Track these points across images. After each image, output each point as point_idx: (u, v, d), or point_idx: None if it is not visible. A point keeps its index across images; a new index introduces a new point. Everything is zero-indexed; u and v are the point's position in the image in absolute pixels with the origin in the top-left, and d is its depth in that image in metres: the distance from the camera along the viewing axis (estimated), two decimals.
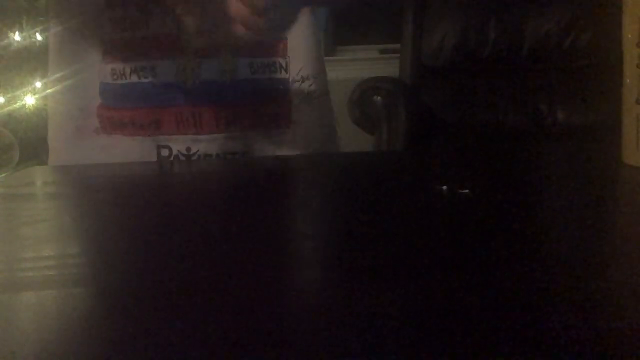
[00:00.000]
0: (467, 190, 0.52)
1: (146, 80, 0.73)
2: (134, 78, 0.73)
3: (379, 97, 2.32)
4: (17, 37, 2.11)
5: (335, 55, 3.05)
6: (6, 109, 2.08)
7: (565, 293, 0.32)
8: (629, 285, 0.34)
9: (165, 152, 0.74)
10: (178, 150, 0.74)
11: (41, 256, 0.41)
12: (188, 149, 0.74)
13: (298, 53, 0.78)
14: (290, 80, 0.78)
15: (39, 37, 2.10)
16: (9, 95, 2.09)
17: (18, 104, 2.09)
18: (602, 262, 0.38)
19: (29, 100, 2.11)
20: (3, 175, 0.55)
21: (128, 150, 0.74)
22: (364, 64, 2.94)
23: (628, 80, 0.60)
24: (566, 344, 0.27)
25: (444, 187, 0.53)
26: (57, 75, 0.76)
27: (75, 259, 0.41)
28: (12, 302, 0.34)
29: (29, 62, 2.08)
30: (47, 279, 0.37)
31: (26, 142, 2.07)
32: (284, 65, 0.77)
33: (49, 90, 0.78)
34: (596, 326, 0.29)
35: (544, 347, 0.26)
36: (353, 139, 2.19)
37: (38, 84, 2.10)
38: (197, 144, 0.74)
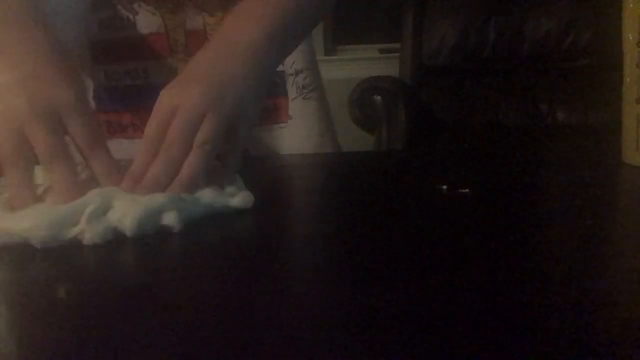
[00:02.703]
0: (467, 190, 0.52)
1: (140, 83, 0.72)
2: (128, 80, 0.72)
3: (379, 97, 2.32)
4: None
5: (335, 55, 3.04)
6: None
7: (564, 293, 0.32)
8: (628, 285, 0.34)
9: None
10: None
11: None
12: None
13: None
14: (285, 73, 0.77)
15: None
16: None
17: None
18: (602, 262, 0.38)
19: None
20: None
21: (130, 153, 0.73)
22: (363, 64, 2.94)
23: (628, 80, 0.60)
24: (565, 344, 0.27)
25: (444, 187, 0.53)
26: None
27: None
28: None
29: None
30: None
31: None
32: None
33: None
34: (595, 326, 0.29)
35: (543, 347, 0.26)
36: (353, 139, 2.19)
37: None
38: None
